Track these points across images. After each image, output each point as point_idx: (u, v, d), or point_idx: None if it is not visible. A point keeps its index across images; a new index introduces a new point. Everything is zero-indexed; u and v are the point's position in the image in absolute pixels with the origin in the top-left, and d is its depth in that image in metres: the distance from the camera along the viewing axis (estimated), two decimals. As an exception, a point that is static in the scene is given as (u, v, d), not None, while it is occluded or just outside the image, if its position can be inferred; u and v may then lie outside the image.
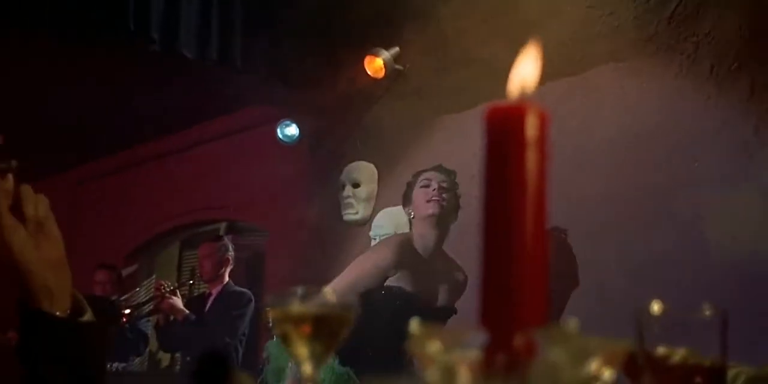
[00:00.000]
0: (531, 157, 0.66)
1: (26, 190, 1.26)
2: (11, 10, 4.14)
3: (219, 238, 5.39)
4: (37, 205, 1.26)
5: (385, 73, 4.30)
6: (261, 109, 5.67)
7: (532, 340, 0.66)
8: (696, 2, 3.81)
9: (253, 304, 4.99)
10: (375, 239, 4.71)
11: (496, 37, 3.79)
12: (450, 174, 3.76)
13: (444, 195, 3.64)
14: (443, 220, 3.64)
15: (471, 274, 3.74)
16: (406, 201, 3.78)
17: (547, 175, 0.68)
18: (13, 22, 4.03)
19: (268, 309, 0.88)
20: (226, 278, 5.09)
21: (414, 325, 0.65)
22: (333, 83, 4.32)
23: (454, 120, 4.59)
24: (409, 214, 3.75)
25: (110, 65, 4.96)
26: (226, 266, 5.10)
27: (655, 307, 0.94)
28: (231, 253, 5.11)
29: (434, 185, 3.66)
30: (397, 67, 4.30)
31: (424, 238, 3.66)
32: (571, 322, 0.69)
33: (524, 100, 0.69)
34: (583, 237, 4.07)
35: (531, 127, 0.66)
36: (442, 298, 3.68)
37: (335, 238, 5.11)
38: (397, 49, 4.27)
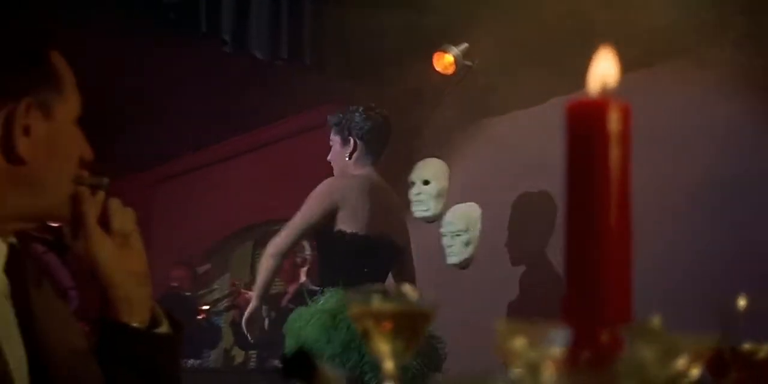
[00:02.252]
0: (614, 152, 0.65)
1: (115, 203, 1.30)
2: (86, 13, 4.25)
3: None
4: (125, 218, 1.30)
5: (455, 70, 4.29)
6: (332, 107, 5.71)
7: (618, 336, 0.65)
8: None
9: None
10: (446, 236, 4.71)
11: (565, 32, 3.76)
12: (333, 128, 3.91)
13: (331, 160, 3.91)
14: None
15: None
16: None
17: (631, 169, 0.68)
18: (86, 24, 4.13)
19: (349, 306, 0.89)
20: (303, 277, 5.14)
21: (499, 322, 0.65)
22: (402, 80, 4.32)
23: (524, 115, 4.56)
24: None
25: (184, 67, 5.06)
26: (303, 266, 5.15)
27: (741, 302, 0.92)
28: (308, 253, 5.16)
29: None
30: (467, 63, 4.28)
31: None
32: (656, 319, 0.68)
33: (606, 94, 0.69)
34: (652, 228, 4.00)
35: (614, 121, 0.66)
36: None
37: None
38: (466, 45, 4.26)
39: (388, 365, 0.86)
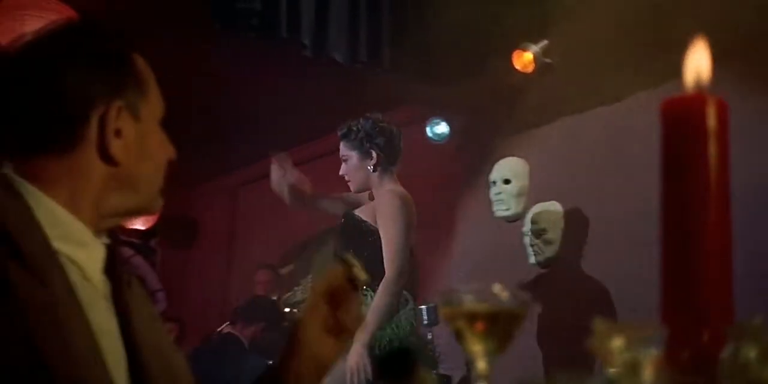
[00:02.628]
0: (712, 148, 0.64)
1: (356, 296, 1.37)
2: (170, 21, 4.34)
3: None
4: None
5: (535, 68, 4.25)
6: (410, 109, 5.72)
7: (719, 336, 0.64)
8: None
9: (410, 304, 5.01)
10: (528, 235, 4.67)
11: (645, 28, 3.69)
12: (348, 134, 3.81)
13: (346, 168, 3.80)
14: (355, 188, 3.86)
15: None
16: None
17: (729, 166, 0.66)
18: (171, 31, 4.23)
19: (441, 307, 0.89)
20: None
21: (597, 322, 0.64)
22: (481, 80, 4.30)
23: (605, 112, 4.50)
24: None
25: (265, 72, 5.13)
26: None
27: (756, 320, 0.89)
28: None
29: (342, 166, 3.83)
30: (547, 60, 4.24)
31: None
32: (758, 318, 0.66)
33: (701, 90, 0.68)
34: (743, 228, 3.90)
35: (711, 117, 0.65)
36: None
37: (487, 236, 5.10)
38: (546, 42, 4.22)
39: (481, 365, 0.86)
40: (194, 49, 4.68)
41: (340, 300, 1.35)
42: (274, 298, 6.11)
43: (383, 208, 3.66)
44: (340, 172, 3.80)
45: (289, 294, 6.34)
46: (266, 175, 4.15)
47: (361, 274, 1.33)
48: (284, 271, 6.97)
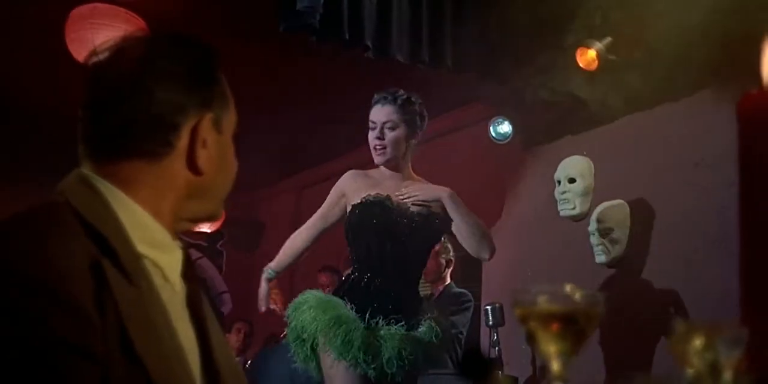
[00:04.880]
0: (792, 145, 0.63)
1: None
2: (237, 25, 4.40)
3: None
4: None
5: (598, 65, 4.20)
6: (473, 108, 5.70)
7: (803, 336, 0.63)
8: None
9: (472, 304, 5.00)
10: (594, 235, 4.62)
11: (713, 24, 3.62)
12: (397, 100, 3.44)
13: (385, 143, 3.41)
14: (392, 161, 3.46)
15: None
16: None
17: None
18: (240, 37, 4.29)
19: (513, 307, 0.89)
20: (448, 279, 5.14)
21: (677, 322, 0.63)
22: (545, 78, 4.27)
23: (671, 108, 4.43)
24: None
25: (326, 73, 5.17)
26: (449, 267, 5.14)
27: None
28: (452, 254, 5.16)
29: (376, 132, 3.44)
30: (611, 57, 4.19)
31: (384, 167, 3.53)
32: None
33: (780, 85, 0.66)
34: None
35: (790, 113, 0.64)
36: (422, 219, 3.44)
37: (553, 235, 5.06)
38: (609, 39, 4.16)
39: (556, 366, 0.86)
40: (259, 52, 4.75)
41: None
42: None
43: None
44: (377, 137, 3.42)
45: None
46: (330, 177, 4.15)
47: None
48: (346, 272, 6.99)
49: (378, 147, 3.44)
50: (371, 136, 3.45)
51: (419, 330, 3.30)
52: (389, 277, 3.36)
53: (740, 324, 0.64)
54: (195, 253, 6.16)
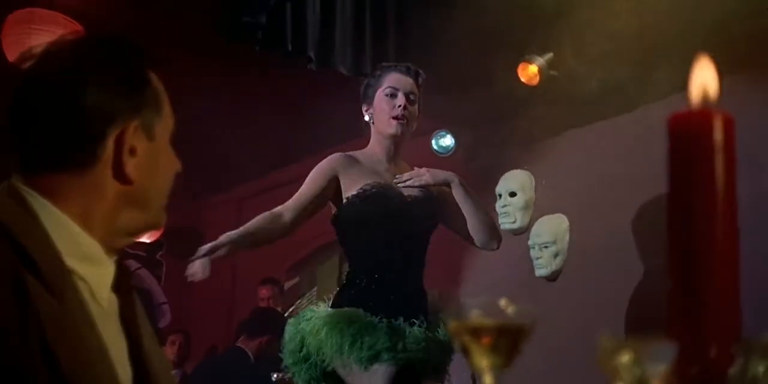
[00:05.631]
0: (719, 162, 0.64)
1: None
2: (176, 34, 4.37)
3: None
4: None
5: (540, 80, 4.25)
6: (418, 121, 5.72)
7: (728, 352, 0.64)
8: None
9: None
10: (534, 248, 4.66)
11: (653, 40, 3.69)
12: (418, 77, 3.21)
13: (408, 110, 3.13)
14: (400, 138, 3.18)
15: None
16: (365, 98, 3.24)
17: (736, 179, 0.66)
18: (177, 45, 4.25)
19: (448, 321, 0.89)
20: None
21: (603, 338, 0.64)
22: (487, 92, 4.30)
23: (611, 124, 4.50)
24: (369, 119, 3.24)
25: (266, 85, 5.15)
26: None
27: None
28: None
29: (401, 99, 3.12)
30: (552, 73, 4.24)
31: (381, 145, 3.23)
32: (766, 335, 0.66)
33: (707, 104, 0.68)
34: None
35: (718, 131, 0.65)
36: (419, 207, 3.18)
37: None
38: (551, 54, 4.22)
39: (488, 380, 0.86)
40: (201, 63, 4.71)
41: None
42: (279, 309, 6.11)
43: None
44: (400, 105, 3.11)
45: (293, 308, 6.34)
46: (271, 188, 4.10)
47: None
48: (289, 284, 6.96)
49: (400, 116, 3.11)
50: (389, 103, 3.12)
51: (440, 332, 3.06)
52: (400, 274, 3.11)
53: (668, 339, 0.65)
54: (134, 264, 6.07)
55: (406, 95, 3.13)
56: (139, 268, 6.25)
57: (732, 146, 0.65)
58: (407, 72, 3.20)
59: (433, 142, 5.31)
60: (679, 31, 3.54)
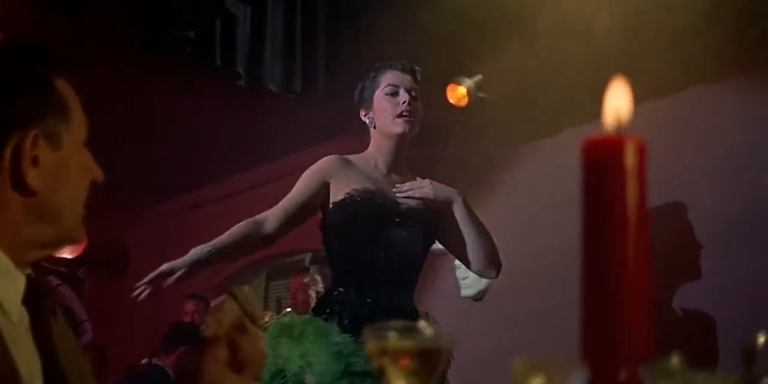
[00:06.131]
0: (631, 188, 0.65)
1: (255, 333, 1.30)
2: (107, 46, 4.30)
3: (306, 270, 5.43)
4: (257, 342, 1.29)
5: (469, 102, 4.29)
6: (345, 141, 5.72)
7: (637, 375, 0.65)
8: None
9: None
10: (460, 268, 4.68)
11: (575, 63, 3.77)
12: (416, 74, 3.01)
13: (413, 106, 2.92)
14: (408, 136, 2.98)
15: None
16: (362, 101, 3.03)
17: (647, 205, 0.67)
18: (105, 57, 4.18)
19: (366, 342, 0.89)
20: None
21: (517, 359, 0.64)
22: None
23: (538, 147, 4.57)
24: (370, 123, 3.01)
25: (193, 100, 5.10)
26: (315, 298, 5.13)
27: (761, 338, 0.91)
28: (320, 286, 5.15)
29: (404, 96, 2.91)
30: (481, 95, 4.29)
31: (382, 150, 3.01)
32: (676, 357, 0.67)
33: (621, 130, 0.69)
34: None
35: (629, 157, 0.66)
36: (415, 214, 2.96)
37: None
38: (480, 76, 4.26)
39: (405, 402, 0.86)
40: (129, 76, 4.64)
41: (238, 335, 1.29)
42: (201, 326, 6.02)
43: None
44: (405, 101, 2.91)
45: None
46: (197, 205, 4.05)
47: (249, 306, 1.29)
48: (215, 302, 6.87)
49: (405, 113, 2.89)
50: (392, 101, 2.92)
51: None
52: (384, 291, 2.87)
53: (581, 362, 0.66)
54: (54, 280, 5.92)
55: (408, 92, 2.93)
56: (59, 284, 6.09)
57: (643, 172, 0.66)
58: (404, 69, 3.00)
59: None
60: (600, 56, 3.62)
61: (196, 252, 2.87)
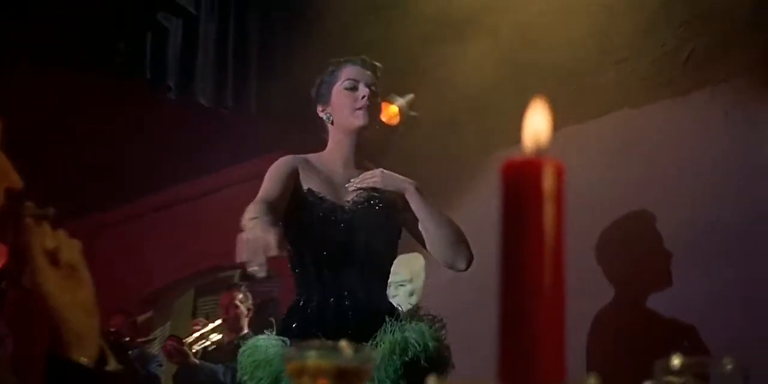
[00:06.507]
0: (548, 211, 0.66)
1: (60, 235, 1.26)
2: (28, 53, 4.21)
3: (237, 286, 5.38)
4: (72, 250, 1.26)
5: (400, 120, 4.31)
6: (278, 156, 5.69)
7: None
8: (710, 49, 3.83)
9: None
10: (390, 286, 4.67)
11: (506, 85, 3.81)
12: (376, 70, 2.95)
13: (372, 101, 2.86)
14: (367, 129, 2.90)
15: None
16: (320, 97, 2.97)
17: (565, 228, 0.68)
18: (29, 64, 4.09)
19: (286, 362, 0.88)
20: (246, 328, 5.07)
21: (431, 378, 0.64)
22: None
23: (469, 167, 4.59)
24: (328, 119, 2.93)
25: (126, 114, 5.02)
26: (248, 316, 5.09)
27: (675, 360, 0.92)
28: (251, 303, 5.10)
29: (363, 90, 2.85)
30: (412, 113, 4.31)
31: (341, 146, 2.92)
32: (592, 378, 0.68)
33: (539, 153, 0.69)
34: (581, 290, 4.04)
35: (548, 180, 0.66)
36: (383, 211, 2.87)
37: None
38: (412, 95, 4.28)
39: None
40: (58, 87, 4.55)
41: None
42: (126, 340, 5.91)
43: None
44: (365, 95, 2.84)
45: (144, 340, 6.15)
46: (123, 221, 3.97)
47: (41, 210, 1.26)
48: (143, 317, 6.76)
49: (364, 107, 2.83)
50: (350, 96, 2.85)
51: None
52: (354, 297, 2.75)
53: (496, 381, 0.66)
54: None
55: (368, 86, 2.86)
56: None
57: (561, 195, 0.67)
58: (364, 64, 2.92)
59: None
60: (527, 80, 3.67)
61: (255, 210, 2.64)
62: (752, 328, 3.54)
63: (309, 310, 2.73)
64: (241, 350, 2.73)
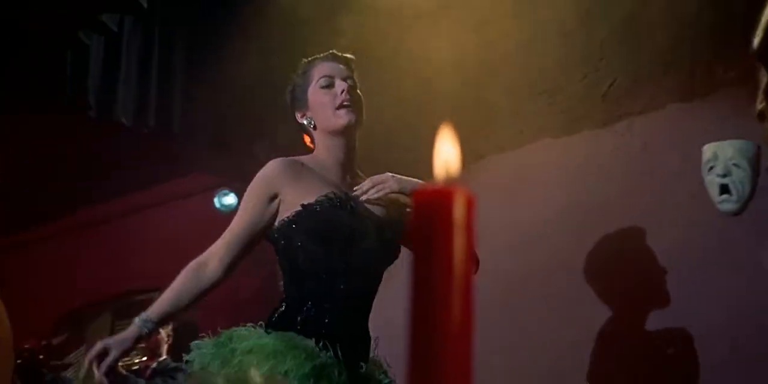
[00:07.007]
0: (458, 241, 0.65)
1: None
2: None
3: None
4: None
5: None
6: (199, 177, 5.63)
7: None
8: (629, 81, 3.91)
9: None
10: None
11: (420, 116, 3.82)
12: (350, 63, 2.74)
13: (353, 96, 2.65)
14: (355, 128, 2.67)
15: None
16: (295, 102, 2.74)
17: (473, 258, 0.68)
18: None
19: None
20: (164, 354, 4.98)
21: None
22: (273, 146, 4.29)
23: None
24: (309, 123, 2.68)
25: (44, 131, 4.90)
26: (168, 341, 4.99)
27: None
28: (170, 328, 5.01)
29: (341, 85, 2.64)
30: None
31: (331, 151, 2.67)
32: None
33: (451, 182, 0.69)
34: (503, 320, 4.07)
35: (458, 210, 0.66)
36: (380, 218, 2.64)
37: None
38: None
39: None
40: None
41: None
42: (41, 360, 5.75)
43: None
44: (343, 91, 2.61)
45: (58, 363, 5.99)
46: (33, 241, 3.86)
47: None
48: (57, 339, 6.59)
49: (346, 103, 2.60)
50: (328, 93, 2.64)
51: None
52: (349, 311, 2.53)
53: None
54: None
55: (345, 80, 2.64)
56: None
57: (471, 226, 0.66)
58: (335, 58, 2.71)
59: (216, 199, 5.24)
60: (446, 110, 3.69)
61: (137, 325, 2.55)
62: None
63: (316, 320, 2.48)
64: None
